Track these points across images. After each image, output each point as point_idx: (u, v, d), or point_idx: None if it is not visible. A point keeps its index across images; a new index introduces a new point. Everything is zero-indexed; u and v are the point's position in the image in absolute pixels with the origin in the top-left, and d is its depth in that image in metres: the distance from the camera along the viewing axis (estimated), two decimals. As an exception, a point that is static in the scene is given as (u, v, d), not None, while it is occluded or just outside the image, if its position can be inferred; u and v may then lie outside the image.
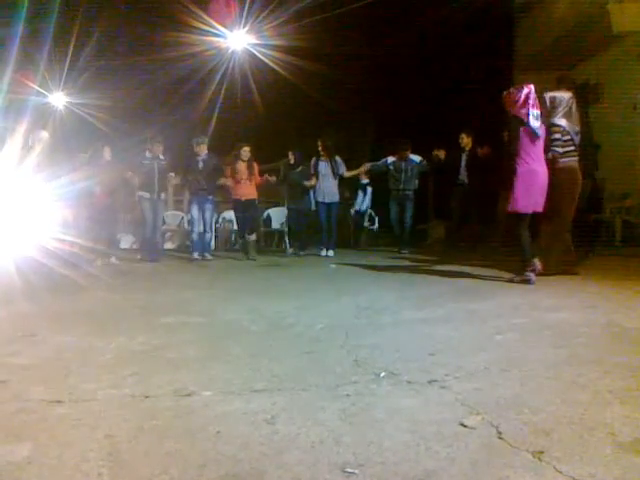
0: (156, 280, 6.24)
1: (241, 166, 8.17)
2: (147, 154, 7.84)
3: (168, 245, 10.50)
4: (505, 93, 4.90)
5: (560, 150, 4.88)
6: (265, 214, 10.82)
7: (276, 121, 12.70)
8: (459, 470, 1.45)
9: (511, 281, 4.78)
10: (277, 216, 10.66)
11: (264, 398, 2.04)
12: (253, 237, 8.57)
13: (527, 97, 4.70)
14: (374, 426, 1.75)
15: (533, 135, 4.72)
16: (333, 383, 2.20)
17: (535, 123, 4.71)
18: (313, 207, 8.89)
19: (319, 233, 8.77)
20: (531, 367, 2.32)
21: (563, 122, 4.95)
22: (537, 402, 1.90)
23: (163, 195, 8.15)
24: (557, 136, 4.91)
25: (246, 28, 9.82)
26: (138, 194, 7.88)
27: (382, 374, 2.29)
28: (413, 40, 12.23)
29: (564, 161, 4.95)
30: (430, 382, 2.17)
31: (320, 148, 8.48)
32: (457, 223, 8.95)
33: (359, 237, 10.94)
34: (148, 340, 3.03)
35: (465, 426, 1.72)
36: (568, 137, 4.96)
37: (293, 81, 10.92)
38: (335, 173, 8.52)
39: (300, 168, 8.50)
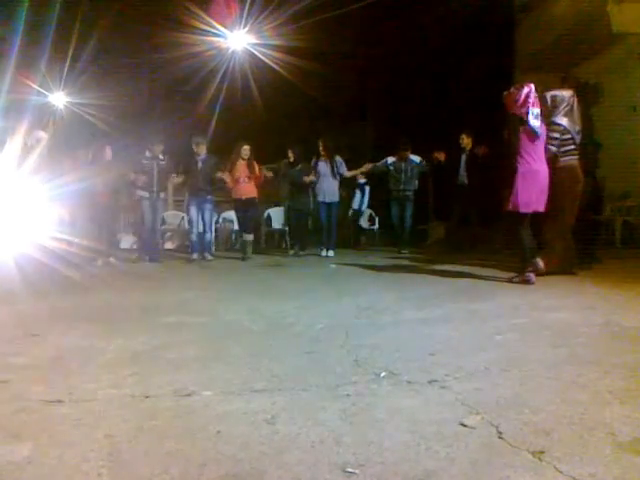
0: (156, 280, 6.24)
1: (241, 165, 8.17)
2: (147, 153, 7.84)
3: (168, 245, 10.49)
4: (505, 93, 4.90)
5: (554, 149, 4.88)
6: (265, 214, 10.82)
7: (276, 121, 12.72)
8: (459, 470, 1.45)
9: (511, 281, 4.78)
10: (277, 216, 10.67)
11: (264, 398, 2.05)
12: (251, 237, 8.57)
13: (527, 96, 4.70)
14: (374, 426, 1.75)
15: (533, 134, 4.73)
16: (333, 383, 2.20)
17: (535, 122, 4.71)
18: (312, 207, 8.89)
19: (319, 233, 8.78)
20: (531, 367, 2.32)
21: (564, 121, 4.95)
22: (537, 402, 1.90)
23: (162, 195, 8.15)
24: (555, 135, 4.91)
25: (246, 28, 9.82)
26: (137, 194, 7.87)
27: (382, 374, 2.29)
28: (413, 40, 12.24)
29: (564, 160, 4.95)
30: (430, 382, 2.17)
31: (321, 148, 8.48)
32: (457, 223, 8.96)
33: (358, 237, 10.94)
34: (148, 340, 3.03)
35: (465, 426, 1.72)
36: (568, 136, 4.96)
37: (293, 81, 10.94)
38: (335, 173, 8.51)
39: (300, 166, 8.50)
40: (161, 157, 7.87)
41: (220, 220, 10.79)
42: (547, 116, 4.94)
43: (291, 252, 8.62)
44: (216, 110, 10.53)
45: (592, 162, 5.49)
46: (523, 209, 4.70)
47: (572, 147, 4.98)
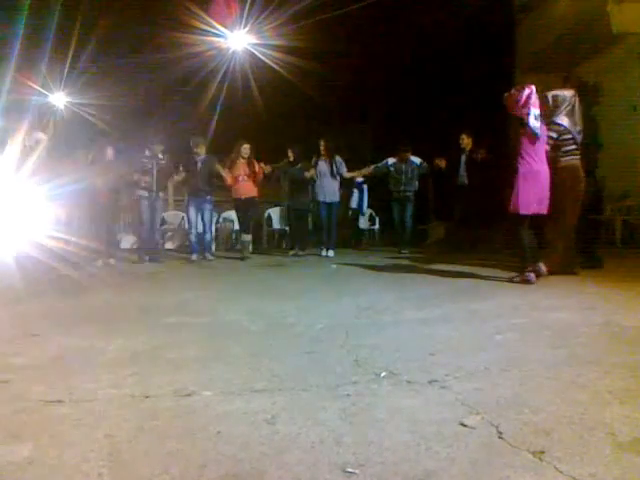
0: (156, 280, 6.24)
1: (241, 163, 8.16)
2: (147, 153, 7.84)
3: (168, 245, 10.49)
4: (507, 94, 4.90)
5: (549, 149, 4.88)
6: (266, 214, 10.82)
7: (276, 120, 12.72)
8: (459, 470, 1.45)
9: (511, 281, 4.78)
10: (277, 216, 10.67)
11: (264, 398, 2.05)
12: (249, 237, 8.56)
13: (528, 98, 4.70)
14: (374, 426, 1.76)
15: (534, 135, 4.73)
16: (333, 383, 2.20)
17: (535, 123, 4.71)
18: (312, 206, 8.89)
19: (319, 233, 8.78)
20: (531, 367, 2.33)
21: (565, 121, 4.95)
22: (537, 402, 1.90)
23: (162, 194, 8.14)
24: (553, 135, 4.91)
25: (246, 28, 9.82)
26: (136, 193, 7.87)
27: (382, 374, 2.29)
28: (414, 41, 12.24)
29: (565, 160, 4.95)
30: (430, 382, 2.17)
31: (322, 148, 8.48)
32: (457, 224, 8.97)
33: (358, 237, 10.94)
34: (148, 340, 3.03)
35: (465, 426, 1.72)
36: (569, 136, 4.96)
37: (293, 81, 10.94)
38: (335, 173, 8.51)
39: (299, 165, 8.50)
40: (161, 157, 7.87)
41: (220, 220, 10.79)
42: (548, 116, 4.94)
43: (291, 252, 8.62)
44: (216, 110, 10.53)
45: (593, 162, 5.49)
46: (523, 210, 4.70)
47: (573, 147, 4.98)
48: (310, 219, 9.51)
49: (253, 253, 8.94)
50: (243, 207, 8.42)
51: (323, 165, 8.50)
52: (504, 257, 6.18)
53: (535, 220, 4.81)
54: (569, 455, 1.50)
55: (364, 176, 9.85)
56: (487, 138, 8.04)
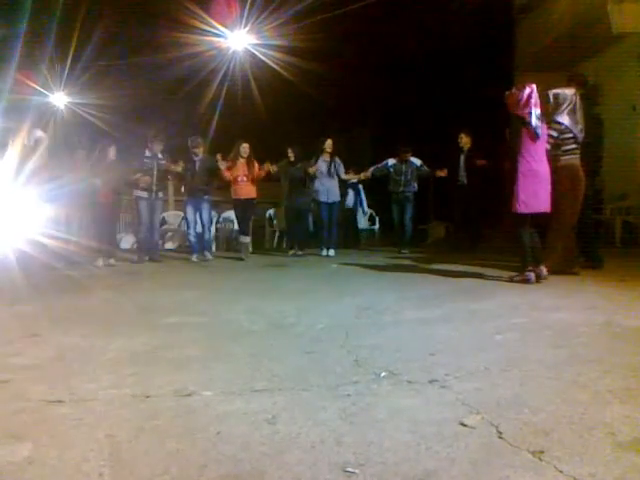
0: (157, 280, 6.24)
1: (240, 163, 8.16)
2: (147, 152, 7.83)
3: (168, 245, 10.49)
4: (507, 93, 4.90)
5: (550, 148, 4.88)
6: (267, 214, 10.83)
7: (277, 120, 12.72)
8: (459, 470, 1.45)
9: (511, 280, 4.78)
10: (278, 216, 10.67)
11: (265, 398, 2.05)
12: (248, 239, 8.56)
13: (529, 97, 4.70)
14: (375, 426, 1.76)
15: (535, 135, 4.73)
16: (334, 383, 2.20)
17: (537, 123, 4.71)
18: (312, 206, 8.90)
19: (319, 233, 8.78)
20: (531, 367, 2.33)
21: (565, 120, 4.94)
22: (537, 402, 1.90)
23: (161, 194, 8.13)
24: (553, 133, 4.91)
25: (247, 28, 9.82)
26: (135, 193, 7.86)
27: (383, 374, 2.29)
28: (414, 40, 12.24)
29: (565, 159, 4.95)
30: (430, 382, 2.17)
31: (329, 146, 8.48)
32: (457, 223, 8.98)
33: (357, 237, 10.93)
34: (149, 340, 3.03)
35: (465, 426, 1.72)
36: (569, 135, 4.96)
37: (294, 81, 10.94)
38: (332, 173, 8.51)
39: (299, 165, 8.50)
40: (160, 156, 7.86)
41: (220, 220, 10.78)
42: (549, 114, 4.94)
43: (290, 252, 8.62)
44: (217, 110, 10.53)
45: (597, 161, 5.49)
46: (523, 210, 4.70)
47: (573, 146, 4.97)
48: (311, 219, 9.50)
49: (253, 253, 8.94)
50: (242, 208, 8.42)
51: (323, 165, 8.50)
52: (504, 256, 6.17)
53: (536, 219, 4.81)
54: (569, 455, 1.50)
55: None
56: (486, 140, 8.03)
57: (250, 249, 8.92)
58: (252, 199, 8.40)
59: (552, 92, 5.03)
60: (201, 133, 8.67)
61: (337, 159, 8.62)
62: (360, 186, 10.47)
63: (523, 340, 2.82)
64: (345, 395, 2.05)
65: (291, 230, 9.01)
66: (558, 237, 4.92)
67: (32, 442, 1.69)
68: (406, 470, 1.46)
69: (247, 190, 8.24)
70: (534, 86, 4.77)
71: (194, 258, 7.94)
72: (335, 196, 8.64)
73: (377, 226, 11.32)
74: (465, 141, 8.37)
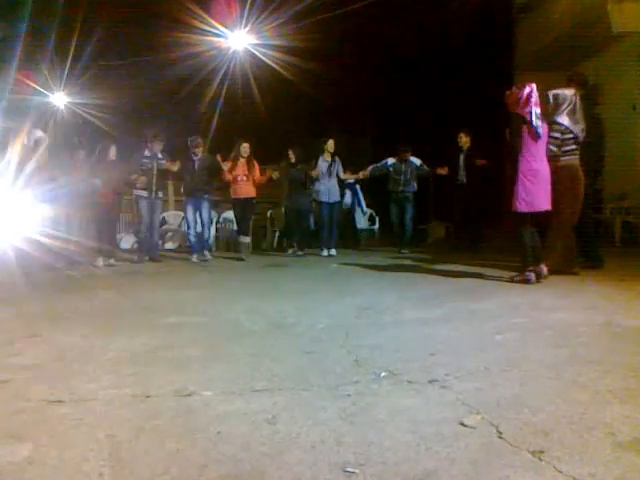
0: (157, 280, 6.24)
1: (241, 163, 8.17)
2: (146, 152, 7.83)
3: (168, 245, 10.49)
4: (508, 92, 4.90)
5: (555, 149, 4.88)
6: (268, 214, 10.82)
7: (277, 120, 12.71)
8: (459, 470, 1.45)
9: (511, 280, 4.78)
10: (277, 216, 10.66)
11: (265, 398, 2.05)
12: (248, 239, 8.56)
13: (529, 96, 4.70)
14: (375, 426, 1.76)
15: (535, 134, 4.73)
16: (334, 383, 2.20)
17: (537, 122, 4.71)
18: (313, 206, 8.90)
19: (319, 233, 8.78)
20: (531, 367, 2.33)
21: (565, 120, 4.94)
22: (537, 402, 1.90)
23: (161, 194, 8.13)
24: (556, 135, 4.91)
25: (247, 28, 9.81)
26: (135, 193, 7.86)
27: (383, 374, 2.29)
28: (414, 40, 12.24)
29: (565, 159, 4.95)
30: (430, 382, 2.17)
31: (331, 146, 8.49)
32: (457, 223, 8.97)
33: (356, 237, 10.92)
34: (149, 340, 3.03)
35: (465, 426, 1.72)
36: (570, 135, 4.95)
37: (294, 81, 10.93)
38: (333, 173, 8.53)
39: (300, 166, 8.50)
40: (160, 156, 7.86)
41: (221, 220, 10.78)
42: (549, 115, 4.94)
43: (290, 250, 8.62)
44: (217, 110, 10.52)
45: (599, 160, 5.49)
46: (524, 209, 4.70)
47: (574, 147, 4.97)
48: (312, 219, 9.49)
49: (253, 253, 8.94)
50: (241, 208, 8.42)
51: (324, 165, 8.50)
52: (504, 256, 6.17)
53: (536, 218, 4.81)
54: (569, 455, 1.50)
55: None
56: (486, 139, 8.03)
57: (250, 249, 8.92)
58: (251, 198, 8.39)
59: (552, 93, 5.02)
60: (201, 133, 8.67)
61: (337, 159, 8.63)
62: (357, 186, 10.45)
63: (523, 340, 2.82)
64: (345, 395, 2.05)
65: (290, 230, 9.01)
66: (558, 236, 4.92)
67: (32, 442, 1.69)
68: (406, 470, 1.46)
69: (247, 190, 8.24)
70: (534, 85, 4.77)
71: (194, 258, 7.93)
72: (336, 196, 8.66)
73: (377, 226, 11.31)
74: (465, 140, 8.37)
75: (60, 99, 12.17)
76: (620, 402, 1.88)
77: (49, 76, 10.85)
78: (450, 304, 3.92)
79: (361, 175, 9.19)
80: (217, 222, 10.39)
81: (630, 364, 2.29)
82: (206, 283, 5.92)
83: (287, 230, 9.45)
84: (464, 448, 1.57)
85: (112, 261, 7.39)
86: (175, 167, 7.93)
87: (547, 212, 4.75)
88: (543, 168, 4.77)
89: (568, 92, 5.04)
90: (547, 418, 1.76)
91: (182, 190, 8.42)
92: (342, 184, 9.38)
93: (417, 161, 8.83)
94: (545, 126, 4.82)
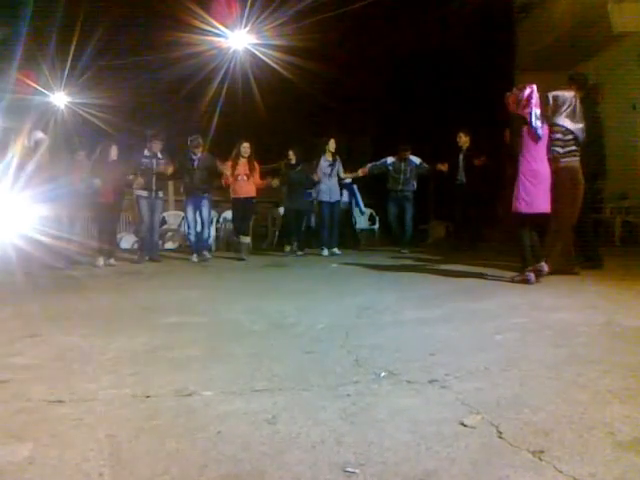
0: (157, 280, 6.24)
1: (241, 162, 8.17)
2: (146, 152, 7.83)
3: (168, 245, 10.49)
4: (508, 93, 4.90)
5: (560, 150, 4.88)
6: (269, 214, 10.83)
7: (277, 120, 12.71)
8: (459, 470, 1.45)
9: (511, 280, 4.78)
10: (277, 216, 10.66)
11: (265, 398, 2.05)
12: (247, 240, 8.55)
13: (530, 97, 4.70)
14: (375, 426, 1.76)
15: (535, 135, 4.73)
16: (334, 383, 2.20)
17: (537, 123, 4.71)
18: (313, 206, 8.91)
19: (320, 233, 8.78)
20: (531, 367, 2.33)
21: (566, 122, 4.94)
22: (537, 402, 1.90)
23: (161, 194, 8.13)
24: (558, 136, 4.91)
25: (247, 28, 9.81)
26: (135, 193, 7.86)
27: (383, 374, 2.29)
28: (414, 40, 12.23)
29: (565, 161, 4.95)
30: (430, 382, 2.17)
31: (332, 147, 8.50)
32: (457, 223, 8.97)
33: (356, 237, 10.92)
34: (149, 340, 3.03)
35: (465, 426, 1.72)
36: (571, 136, 4.95)
37: (294, 81, 10.93)
38: (333, 173, 8.54)
39: (300, 167, 8.50)
40: (160, 156, 7.86)
41: (221, 220, 10.78)
42: (549, 117, 4.94)
43: (287, 248, 8.62)
44: (217, 109, 10.52)
45: (600, 160, 5.49)
46: (524, 209, 4.70)
47: (574, 148, 4.97)
48: (313, 218, 9.49)
49: (253, 253, 8.94)
50: (241, 207, 8.42)
51: (325, 165, 8.51)
52: (504, 257, 6.17)
53: (536, 219, 4.81)
54: (569, 455, 1.50)
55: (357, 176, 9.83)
56: (486, 140, 8.03)
57: (250, 249, 8.92)
58: (251, 198, 8.39)
59: (552, 94, 5.02)
60: (201, 133, 8.67)
61: (338, 159, 8.65)
62: (355, 186, 10.44)
63: (523, 340, 2.82)
64: (345, 395, 2.05)
65: (289, 230, 9.00)
66: (557, 237, 4.92)
67: (32, 442, 1.69)
68: (406, 470, 1.46)
69: (247, 189, 8.24)
70: (534, 86, 4.77)
71: (194, 258, 7.93)
72: (337, 195, 8.69)
73: (377, 226, 11.30)
74: (464, 140, 8.37)
75: (60, 99, 12.16)
76: (620, 402, 1.88)
77: (49, 76, 10.85)
78: (450, 304, 3.92)
79: (360, 172, 9.17)
80: (217, 222, 10.39)
81: (630, 364, 2.29)
82: (206, 283, 5.92)
83: (285, 230, 9.46)
84: (464, 448, 1.57)
85: (112, 261, 7.40)
86: (169, 171, 7.95)
87: (546, 213, 4.75)
88: (543, 169, 4.77)
89: (568, 94, 5.03)
90: (547, 418, 1.76)
91: (182, 190, 8.43)
92: (340, 184, 9.40)
93: (417, 160, 8.83)
94: (545, 127, 4.82)
